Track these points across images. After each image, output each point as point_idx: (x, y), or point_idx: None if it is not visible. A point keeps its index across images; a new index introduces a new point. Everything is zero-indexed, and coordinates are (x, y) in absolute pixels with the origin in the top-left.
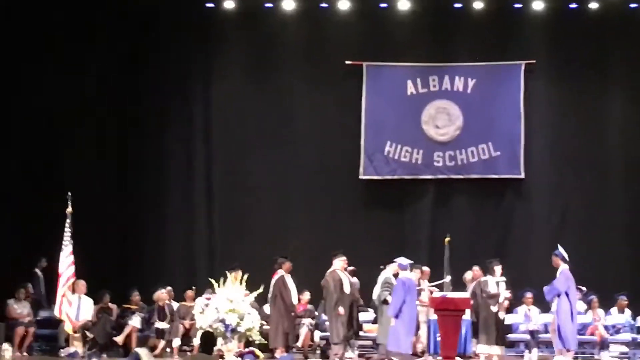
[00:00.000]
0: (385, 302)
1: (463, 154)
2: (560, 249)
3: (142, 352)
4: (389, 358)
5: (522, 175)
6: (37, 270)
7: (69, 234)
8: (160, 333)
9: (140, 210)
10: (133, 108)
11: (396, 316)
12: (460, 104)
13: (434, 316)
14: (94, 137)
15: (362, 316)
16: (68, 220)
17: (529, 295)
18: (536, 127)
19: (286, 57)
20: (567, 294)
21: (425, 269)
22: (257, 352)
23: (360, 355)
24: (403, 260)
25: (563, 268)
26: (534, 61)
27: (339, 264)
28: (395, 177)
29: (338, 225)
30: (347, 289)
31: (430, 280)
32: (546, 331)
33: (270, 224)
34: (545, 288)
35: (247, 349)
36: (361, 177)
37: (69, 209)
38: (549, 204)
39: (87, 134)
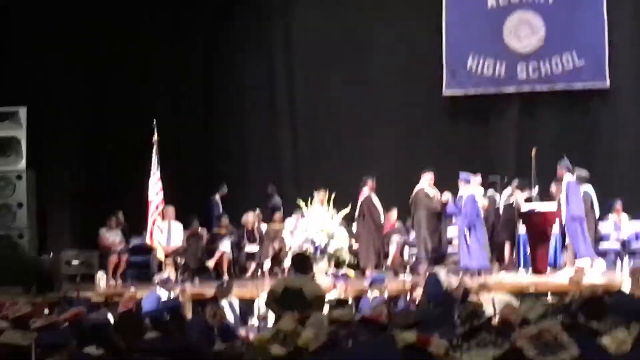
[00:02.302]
0: None
1: (547, 65)
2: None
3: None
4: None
5: (608, 84)
6: (216, 197)
7: (156, 161)
8: (251, 256)
9: (224, 137)
10: (213, 38)
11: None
12: (542, 14)
13: (522, 229)
14: (178, 63)
15: (451, 231)
16: (155, 148)
17: (618, 204)
18: (621, 35)
19: None
20: None
21: None
22: (350, 272)
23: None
24: (466, 175)
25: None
26: None
27: (427, 180)
28: (479, 91)
29: (423, 143)
30: (434, 206)
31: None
32: (637, 239)
33: (354, 143)
34: None
35: (340, 272)
36: (444, 93)
37: (155, 137)
38: (635, 113)
39: (172, 60)
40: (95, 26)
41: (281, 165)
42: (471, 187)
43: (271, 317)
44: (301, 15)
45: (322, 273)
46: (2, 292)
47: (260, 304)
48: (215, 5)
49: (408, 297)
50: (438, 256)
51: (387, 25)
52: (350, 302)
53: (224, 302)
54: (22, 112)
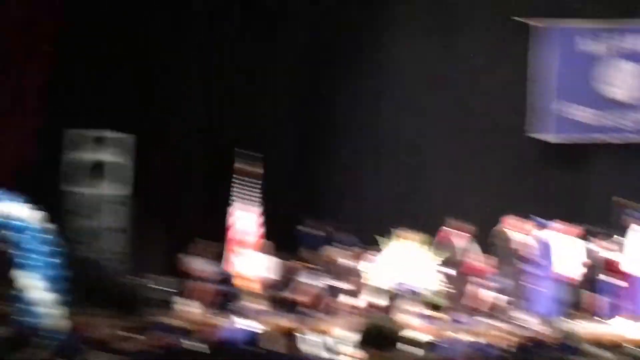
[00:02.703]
0: None
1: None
2: None
3: None
4: None
5: None
6: (308, 230)
7: (258, 193)
8: (335, 291)
9: (316, 170)
10: (305, 66)
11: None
12: (638, 63)
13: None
14: (283, 95)
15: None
16: (257, 180)
17: None
18: None
19: (454, 14)
20: None
21: None
22: (438, 314)
23: None
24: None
25: None
26: None
27: (512, 225)
28: (569, 138)
29: (510, 187)
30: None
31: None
32: None
33: (440, 184)
34: None
35: (427, 313)
36: (532, 136)
37: (260, 170)
38: None
39: (278, 92)
40: (209, 60)
41: (370, 202)
42: (549, 232)
43: (350, 352)
44: (391, 50)
45: (408, 313)
46: (90, 314)
47: (342, 340)
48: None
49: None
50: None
51: (478, 66)
52: (435, 344)
53: (306, 335)
54: (128, 137)
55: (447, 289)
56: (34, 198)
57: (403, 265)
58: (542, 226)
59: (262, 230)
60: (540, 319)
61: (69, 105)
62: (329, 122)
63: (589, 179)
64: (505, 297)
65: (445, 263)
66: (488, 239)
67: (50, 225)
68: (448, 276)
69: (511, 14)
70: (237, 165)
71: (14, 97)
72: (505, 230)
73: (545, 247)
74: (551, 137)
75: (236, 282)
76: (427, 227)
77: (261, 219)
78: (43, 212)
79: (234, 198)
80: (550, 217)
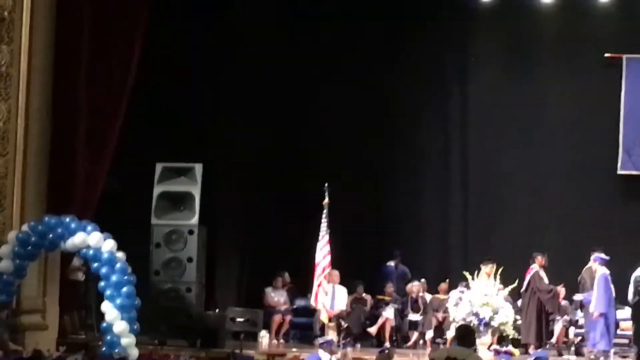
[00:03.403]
0: None
1: None
2: None
3: None
4: None
5: None
6: (392, 263)
7: (326, 224)
8: (414, 325)
9: (394, 203)
10: (389, 102)
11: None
12: None
13: None
14: (350, 127)
15: (619, 314)
16: (325, 211)
17: None
18: None
19: (544, 49)
20: None
21: None
22: (515, 351)
23: (615, 353)
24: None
25: None
26: None
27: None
28: None
29: (594, 221)
30: None
31: None
32: None
33: (524, 217)
34: None
35: (503, 348)
36: (619, 172)
37: (326, 200)
38: None
39: (343, 123)
40: (270, 90)
41: (450, 235)
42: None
43: None
44: (477, 85)
45: (484, 347)
46: (168, 344)
47: None
48: (392, 70)
49: None
50: None
51: (564, 102)
52: None
53: None
54: (198, 168)
55: (522, 322)
56: (116, 229)
57: (485, 300)
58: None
59: (330, 260)
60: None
61: (152, 137)
62: (411, 156)
63: None
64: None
65: (525, 296)
66: (577, 276)
67: (123, 254)
68: (526, 309)
69: (605, 50)
70: (326, 200)
71: (98, 126)
72: (593, 267)
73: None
74: (638, 172)
75: (317, 314)
76: (512, 261)
77: (329, 250)
78: (116, 242)
79: (322, 232)
80: (634, 251)
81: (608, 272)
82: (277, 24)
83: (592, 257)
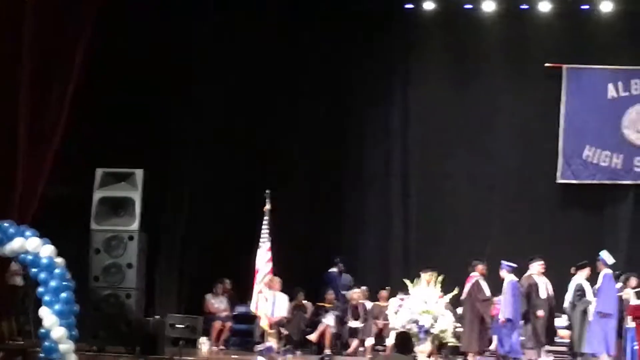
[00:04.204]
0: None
1: None
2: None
3: None
4: None
5: None
6: (335, 270)
7: (267, 230)
8: (354, 332)
9: (335, 210)
10: (331, 107)
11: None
12: None
13: (631, 324)
14: (290, 134)
15: (556, 322)
16: (266, 218)
17: None
18: None
19: (485, 59)
20: None
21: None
22: None
23: None
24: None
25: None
26: None
27: (536, 268)
28: (595, 181)
29: (534, 229)
30: (542, 294)
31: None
32: None
33: (465, 226)
34: None
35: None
36: (559, 180)
37: (267, 207)
38: None
39: (285, 131)
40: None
41: (391, 243)
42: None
43: None
44: (420, 93)
45: (424, 354)
46: (107, 351)
47: None
48: (334, 75)
49: None
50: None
51: (505, 110)
52: None
53: None
54: (139, 173)
55: (462, 330)
56: (55, 234)
57: (425, 307)
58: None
59: (271, 267)
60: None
61: (93, 142)
62: (353, 162)
63: (614, 220)
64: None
65: (467, 304)
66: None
67: (62, 260)
68: (466, 316)
69: (545, 60)
70: (267, 207)
71: (38, 131)
72: (533, 274)
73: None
74: (578, 181)
75: (257, 321)
76: (452, 269)
77: (271, 257)
78: (55, 247)
79: (262, 238)
80: (574, 259)
81: (516, 279)
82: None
83: (501, 265)
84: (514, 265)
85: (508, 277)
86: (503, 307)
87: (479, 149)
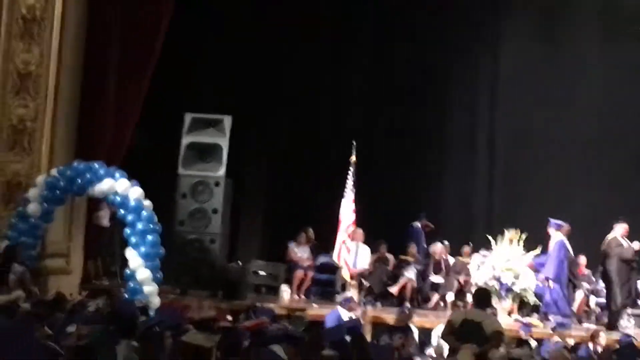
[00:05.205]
0: None
1: None
2: None
3: None
4: None
5: None
6: (417, 224)
7: (352, 182)
8: (435, 287)
9: (421, 163)
10: (418, 61)
11: None
12: None
13: None
14: (380, 86)
15: None
16: (351, 169)
17: None
18: None
19: (576, 18)
20: None
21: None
22: (535, 322)
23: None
24: None
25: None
26: None
27: (620, 230)
28: None
29: (619, 191)
30: (627, 255)
31: None
32: None
33: (550, 186)
34: None
35: (525, 319)
36: None
37: (353, 158)
38: None
39: (374, 81)
40: (299, 45)
41: (475, 199)
42: None
43: (446, 349)
44: (509, 49)
45: (505, 312)
46: (190, 294)
47: (438, 335)
48: (422, 31)
49: (591, 346)
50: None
51: (594, 71)
52: (532, 344)
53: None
54: (227, 120)
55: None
56: (143, 178)
57: (508, 265)
58: None
59: (355, 218)
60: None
61: (182, 88)
62: (439, 116)
63: None
64: (602, 301)
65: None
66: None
67: (149, 203)
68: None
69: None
70: (353, 158)
71: (128, 74)
72: (617, 236)
73: None
74: None
75: (339, 272)
76: (536, 228)
77: (354, 208)
78: (142, 190)
79: (347, 189)
80: None
81: (564, 238)
82: None
83: (549, 223)
84: (562, 223)
85: (555, 236)
86: (547, 265)
87: (566, 109)
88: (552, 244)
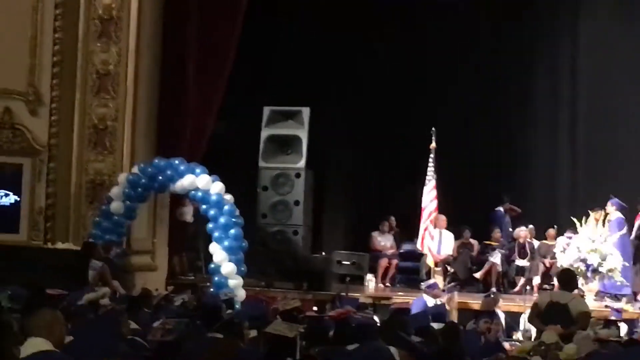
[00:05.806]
0: None
1: None
2: None
3: None
4: None
5: None
6: (501, 209)
7: (433, 168)
8: (521, 270)
9: (503, 147)
10: (497, 43)
11: None
12: None
13: None
14: (457, 72)
15: None
16: (432, 155)
17: None
18: None
19: None
20: None
21: None
22: (626, 307)
23: None
24: None
25: None
26: None
27: None
28: None
29: None
30: None
31: None
32: None
33: (635, 164)
34: None
35: (615, 305)
36: None
37: (433, 144)
38: None
39: (452, 69)
40: (378, 33)
41: (559, 181)
42: None
43: (534, 332)
44: (590, 25)
45: (592, 293)
46: (275, 286)
47: (525, 319)
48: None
49: None
50: None
51: None
52: (619, 326)
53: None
54: (306, 111)
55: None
56: (224, 172)
57: (593, 246)
58: None
59: (437, 205)
60: None
61: (260, 81)
62: (521, 100)
63: None
64: None
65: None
66: None
67: (231, 197)
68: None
69: None
70: (433, 145)
71: (208, 68)
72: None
73: None
74: None
75: (423, 259)
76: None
77: (436, 195)
78: (223, 184)
79: (428, 176)
80: None
81: (623, 217)
82: None
83: (611, 202)
84: (624, 204)
85: (615, 215)
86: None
87: None
88: (611, 222)
